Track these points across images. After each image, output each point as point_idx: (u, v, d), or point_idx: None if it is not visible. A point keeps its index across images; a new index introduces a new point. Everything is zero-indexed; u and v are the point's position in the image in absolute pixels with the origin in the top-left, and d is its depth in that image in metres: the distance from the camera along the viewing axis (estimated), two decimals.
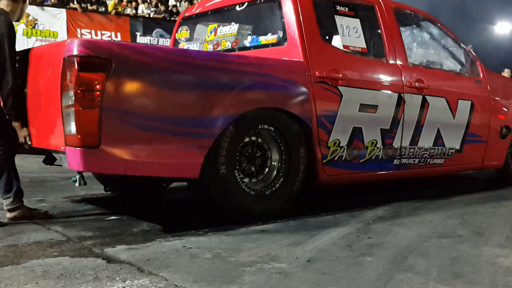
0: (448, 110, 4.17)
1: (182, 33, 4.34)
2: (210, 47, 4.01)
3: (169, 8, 13.90)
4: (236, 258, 2.34)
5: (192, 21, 4.30)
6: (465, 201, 3.91)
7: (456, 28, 4.47)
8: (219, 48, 3.92)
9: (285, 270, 2.17)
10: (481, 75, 4.57)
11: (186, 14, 4.37)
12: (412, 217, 3.29)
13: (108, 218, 3.24)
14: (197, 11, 4.28)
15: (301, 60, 3.34)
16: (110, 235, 2.80)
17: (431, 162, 4.13)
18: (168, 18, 13.31)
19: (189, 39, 4.28)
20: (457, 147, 4.29)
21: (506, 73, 10.96)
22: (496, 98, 4.64)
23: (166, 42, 12.40)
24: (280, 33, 3.51)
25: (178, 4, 14.06)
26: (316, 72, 3.35)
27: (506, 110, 4.73)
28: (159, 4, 13.82)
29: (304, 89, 3.29)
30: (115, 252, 2.42)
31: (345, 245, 2.58)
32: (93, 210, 3.55)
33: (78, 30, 11.81)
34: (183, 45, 4.26)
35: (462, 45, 4.54)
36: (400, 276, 2.11)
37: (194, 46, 4.19)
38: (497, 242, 2.67)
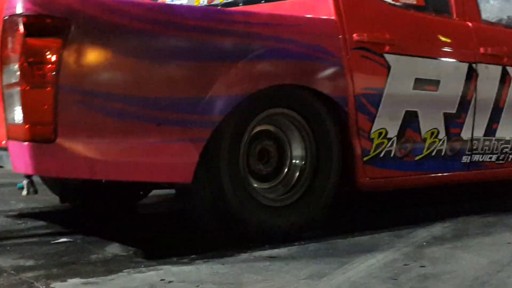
0: None
1: None
2: (203, 1, 4.04)
3: None
4: None
5: None
6: None
7: None
8: (215, 2, 3.96)
9: None
10: None
11: None
12: (483, 237, 3.31)
13: (58, 241, 3.25)
14: None
15: (333, 17, 3.37)
16: (59, 264, 2.80)
17: None
18: None
19: None
20: None
21: None
22: None
23: None
24: None
25: None
26: (354, 35, 3.38)
27: None
28: None
29: (336, 58, 3.32)
30: None
31: (388, 276, 2.58)
32: (39, 229, 3.58)
33: None
34: None
35: None
36: None
37: (182, 0, 4.22)
38: None
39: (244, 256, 2.89)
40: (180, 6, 3.71)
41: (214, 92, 2.93)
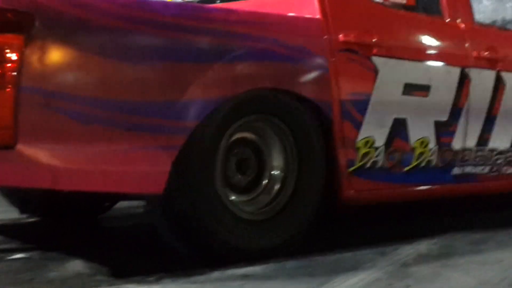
0: None
1: None
2: None
3: None
4: None
5: None
6: None
7: None
8: None
9: None
10: None
11: None
12: (472, 256, 3.34)
13: (14, 257, 3.24)
14: None
15: (318, 16, 3.40)
16: (14, 282, 2.78)
17: (508, 172, 4.25)
18: None
19: None
20: None
21: None
22: None
23: None
24: None
25: None
26: (340, 36, 3.41)
27: None
28: None
29: (321, 60, 3.35)
30: None
31: None
32: None
33: None
34: None
35: None
36: None
37: None
38: None
39: (216, 274, 2.88)
40: (153, 2, 3.70)
41: (189, 96, 2.93)
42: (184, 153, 2.92)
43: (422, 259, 3.24)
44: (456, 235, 3.76)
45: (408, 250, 3.40)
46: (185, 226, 3.05)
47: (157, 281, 2.78)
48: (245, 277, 2.86)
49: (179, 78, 2.93)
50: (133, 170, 2.86)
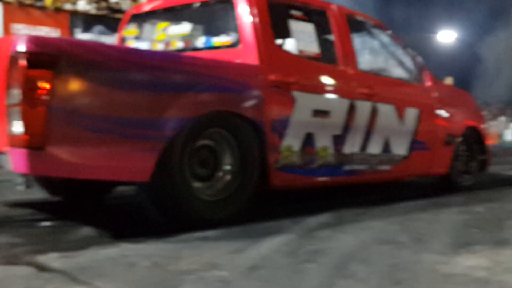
0: (396, 117, 4.34)
1: (130, 30, 4.28)
2: (160, 46, 3.98)
3: (111, 5, 13.62)
4: (176, 266, 2.31)
5: (141, 18, 4.25)
6: (408, 208, 4.02)
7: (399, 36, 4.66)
8: (169, 48, 3.91)
9: (226, 278, 2.17)
10: (428, 83, 4.79)
11: (136, 12, 4.32)
12: (355, 224, 3.36)
13: (42, 224, 3.15)
14: (146, 9, 4.23)
15: (256, 63, 3.38)
16: (42, 242, 2.71)
17: (379, 169, 4.28)
18: (109, 15, 13.03)
19: (138, 37, 4.23)
20: (404, 154, 4.46)
21: (448, 80, 11.49)
22: (442, 106, 4.86)
23: (108, 39, 12.12)
24: (235, 35, 3.54)
25: (120, 1, 13.80)
26: (271, 76, 3.41)
27: (451, 118, 4.96)
28: (100, 1, 13.51)
29: (258, 92, 3.33)
30: (47, 260, 2.33)
31: (287, 252, 2.61)
32: (27, 215, 3.44)
33: (15, 25, 11.34)
34: (131, 43, 4.20)
35: (410, 53, 4.74)
36: (341, 283, 2.15)
37: (143, 45, 4.14)
38: (436, 249, 2.74)
39: (184, 236, 2.85)
40: (145, 50, 3.66)
41: (168, 115, 2.89)
42: (164, 154, 2.88)
43: (322, 226, 3.24)
44: (346, 210, 3.76)
45: (313, 220, 3.39)
46: (164, 204, 3.01)
47: (143, 241, 2.73)
48: (204, 238, 2.84)
49: (162, 103, 2.88)
50: (128, 165, 2.81)
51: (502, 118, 21.26)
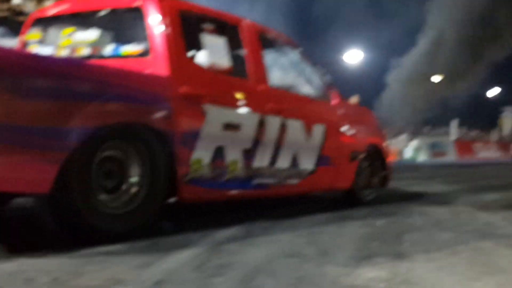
0: (304, 133, 4.46)
1: (33, 34, 4.08)
2: (64, 53, 3.82)
3: (12, 7, 12.93)
4: (77, 282, 2.22)
5: (45, 22, 4.06)
6: (313, 221, 4.11)
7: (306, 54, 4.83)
8: (74, 54, 3.75)
9: None
10: (335, 101, 4.97)
11: (39, 15, 4.12)
12: (263, 237, 3.38)
13: None
14: (52, 13, 4.05)
15: (166, 74, 3.33)
16: None
17: (287, 183, 4.35)
18: (11, 18, 12.36)
19: (41, 42, 4.04)
20: (311, 169, 4.58)
21: (354, 99, 12.00)
22: (347, 124, 5.07)
23: (9, 43, 11.48)
24: (144, 45, 3.47)
25: (22, 3, 13.14)
26: (181, 88, 3.37)
27: (355, 135, 5.17)
28: (1, 2, 12.78)
29: (167, 104, 3.28)
30: None
31: (195, 266, 2.58)
32: None
33: None
34: (34, 48, 3.99)
35: (319, 71, 4.90)
36: None
37: (46, 50, 3.95)
38: (340, 261, 2.81)
39: (87, 251, 2.75)
40: (49, 56, 3.48)
41: (73, 124, 2.77)
42: (66, 164, 2.74)
43: (231, 239, 3.24)
44: (254, 223, 3.78)
45: (222, 233, 3.38)
46: (66, 217, 2.87)
47: (43, 255, 2.60)
48: (107, 253, 2.75)
49: (64, 111, 2.75)
50: (27, 176, 2.65)
51: (403, 136, 22.49)
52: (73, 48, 3.77)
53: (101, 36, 3.73)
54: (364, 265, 2.74)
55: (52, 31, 4.03)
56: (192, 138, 3.42)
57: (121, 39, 3.64)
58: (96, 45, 3.70)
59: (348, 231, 3.75)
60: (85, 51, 3.71)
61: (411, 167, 14.79)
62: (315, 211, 4.60)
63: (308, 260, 2.81)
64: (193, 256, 2.77)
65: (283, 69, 4.67)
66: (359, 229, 3.86)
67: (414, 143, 20.79)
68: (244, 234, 3.43)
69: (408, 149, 20.68)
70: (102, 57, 3.59)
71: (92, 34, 3.75)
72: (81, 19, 3.86)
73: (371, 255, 2.97)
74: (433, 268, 2.75)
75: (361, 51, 30.65)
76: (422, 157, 20.28)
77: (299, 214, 4.35)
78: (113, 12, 3.67)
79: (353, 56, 30.69)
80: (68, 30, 3.88)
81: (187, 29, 3.58)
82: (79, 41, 3.78)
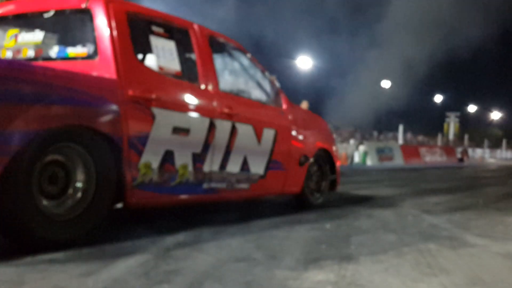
0: (255, 137, 4.46)
1: None
2: (9, 54, 3.69)
3: None
4: None
5: None
6: (263, 225, 4.12)
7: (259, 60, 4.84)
8: (19, 56, 3.63)
9: None
10: (285, 106, 5.01)
11: None
12: (212, 242, 3.37)
13: None
14: None
15: (113, 77, 3.27)
16: None
17: (237, 187, 4.33)
18: None
19: None
20: (261, 173, 4.59)
21: (304, 104, 12.15)
22: (297, 129, 5.11)
23: None
24: (91, 47, 3.40)
25: None
26: (129, 91, 3.31)
27: (305, 140, 5.22)
28: None
29: (115, 107, 3.21)
30: None
31: (142, 273, 2.54)
32: None
33: None
34: None
35: (268, 76, 4.92)
36: None
37: None
38: (288, 265, 2.84)
39: (28, 259, 2.67)
40: None
41: (14, 127, 2.67)
42: (7, 169, 2.64)
43: (180, 245, 3.21)
44: (203, 228, 3.76)
45: (170, 239, 3.34)
46: (6, 223, 2.76)
47: None
48: (50, 261, 2.68)
49: (6, 114, 2.65)
50: None
51: (352, 141, 22.92)
52: (18, 49, 3.65)
53: (46, 38, 3.63)
54: (312, 268, 2.77)
55: None
56: (141, 142, 3.36)
57: (67, 41, 3.56)
58: (41, 46, 3.60)
59: (297, 235, 3.78)
60: (30, 53, 3.60)
61: (360, 171, 15.10)
62: (264, 215, 4.61)
63: (257, 264, 2.81)
64: (140, 263, 2.72)
65: (234, 74, 4.66)
66: (307, 232, 3.90)
67: (363, 147, 21.19)
68: (193, 240, 3.39)
69: (356, 153, 21.07)
70: (48, 59, 3.49)
71: (37, 35, 3.64)
72: (26, 20, 3.74)
73: (319, 258, 3.00)
74: (379, 269, 2.81)
75: (309, 58, 31.09)
76: (370, 162, 20.70)
77: (248, 218, 4.35)
78: (60, 13, 3.57)
79: (304, 62, 31.07)
80: (13, 31, 3.75)
81: (136, 31, 3.52)
82: (24, 42, 3.67)
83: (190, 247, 3.17)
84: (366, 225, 4.35)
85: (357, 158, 21.01)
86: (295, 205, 5.33)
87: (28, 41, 3.66)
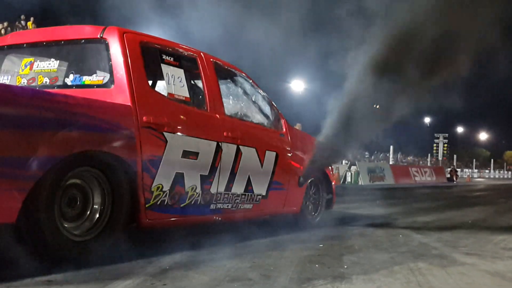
0: (258, 160, 4.63)
1: None
2: (24, 81, 3.85)
3: None
4: None
5: (3, 52, 4.07)
6: (258, 245, 4.13)
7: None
8: (34, 84, 3.79)
9: None
10: (284, 129, 5.19)
11: None
12: (208, 262, 3.38)
13: None
14: (9, 43, 4.07)
15: (129, 104, 3.43)
16: None
17: (241, 207, 4.48)
18: None
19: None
20: (264, 194, 4.74)
21: (297, 127, 12.36)
22: (296, 150, 5.28)
23: None
24: (107, 75, 3.56)
25: None
26: (143, 117, 3.47)
27: (303, 161, 5.39)
28: None
29: (131, 133, 3.37)
30: None
31: None
32: None
33: None
34: None
35: (269, 101, 5.11)
36: None
37: (3, 79, 3.96)
38: (282, 285, 2.86)
39: (27, 280, 2.71)
40: (15, 86, 3.48)
41: (39, 153, 2.82)
42: (32, 193, 2.78)
43: (176, 265, 3.24)
44: (200, 249, 3.78)
45: (167, 260, 3.38)
46: (31, 243, 2.90)
47: None
48: (49, 282, 2.73)
49: (32, 141, 2.80)
50: None
51: (344, 162, 23.12)
52: (33, 77, 3.81)
53: (61, 66, 3.79)
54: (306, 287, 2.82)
55: (10, 60, 4.05)
56: (154, 165, 3.51)
57: (82, 70, 3.70)
58: (56, 75, 3.75)
59: (290, 255, 3.80)
60: (45, 81, 3.75)
61: (352, 191, 15.17)
62: (260, 235, 4.60)
63: (252, 284, 2.86)
64: (136, 284, 2.75)
65: (237, 99, 4.84)
66: (301, 252, 3.92)
67: (354, 168, 21.40)
68: (189, 260, 3.42)
69: (349, 173, 21.24)
70: (64, 86, 3.64)
71: (52, 64, 3.80)
72: (41, 49, 3.90)
73: (312, 278, 3.06)
74: None
75: (302, 81, 31.41)
76: (362, 181, 20.89)
77: (244, 238, 4.37)
78: (76, 42, 3.74)
79: (297, 85, 31.42)
80: (28, 59, 3.92)
81: (148, 60, 3.70)
82: (39, 70, 3.82)
83: (186, 267, 3.20)
84: (359, 244, 4.38)
85: (349, 178, 21.19)
86: (293, 224, 5.36)
87: (43, 69, 3.82)
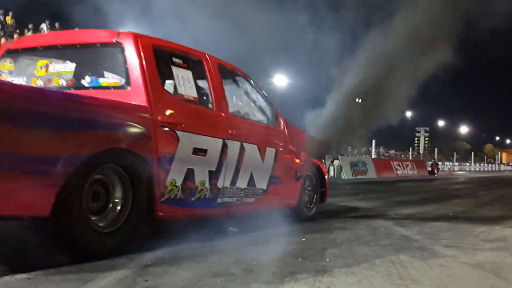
0: (259, 156, 4.90)
1: (5, 65, 4.27)
2: (40, 83, 4.05)
3: None
4: None
5: (17, 54, 4.26)
6: (241, 240, 4.17)
7: None
8: (50, 85, 3.99)
9: None
10: (282, 126, 5.47)
11: (11, 47, 4.32)
12: (192, 258, 3.38)
13: None
14: (25, 45, 4.28)
15: (146, 105, 3.67)
16: None
17: (245, 201, 4.74)
18: None
19: (14, 72, 4.23)
20: (265, 188, 5.02)
21: None
22: (292, 147, 5.57)
23: None
24: (123, 77, 3.79)
25: None
26: (158, 117, 3.71)
27: (299, 156, 5.67)
28: None
29: (148, 132, 3.61)
30: None
31: None
32: None
33: None
34: (6, 78, 4.18)
35: (268, 100, 5.39)
36: None
37: (19, 80, 4.16)
38: (264, 279, 2.89)
39: (6, 278, 2.73)
40: (47, 90, 3.69)
41: (69, 152, 3.06)
42: (64, 189, 3.02)
43: (159, 261, 3.26)
44: (183, 245, 3.78)
45: (149, 256, 3.39)
46: (64, 238, 3.14)
47: None
48: (28, 280, 2.72)
49: (64, 140, 3.04)
50: (30, 200, 2.90)
51: (327, 156, 23.43)
52: (49, 79, 4.01)
53: (77, 68, 4.00)
54: (288, 282, 2.86)
55: (25, 62, 4.25)
56: (168, 161, 3.76)
57: (98, 72, 3.92)
58: (73, 77, 3.96)
59: (273, 249, 3.83)
60: (61, 82, 3.96)
61: (335, 185, 15.25)
62: (243, 231, 4.62)
63: (235, 279, 2.88)
64: (118, 280, 2.76)
65: (240, 98, 5.11)
66: (284, 246, 3.95)
67: (337, 162, 21.73)
68: (172, 256, 3.42)
69: (332, 168, 21.55)
70: (81, 88, 3.85)
71: (68, 66, 4.01)
72: (56, 52, 4.10)
73: (295, 272, 3.09)
74: (353, 281, 2.92)
75: (284, 76, 31.64)
76: (345, 175, 21.23)
77: (228, 234, 4.44)
78: (91, 46, 3.96)
79: (280, 80, 31.66)
80: (43, 62, 4.12)
81: (160, 63, 3.94)
82: (54, 72, 4.03)
83: (168, 263, 3.20)
84: (341, 238, 4.44)
85: (332, 172, 21.52)
86: (277, 218, 5.22)
87: (59, 71, 4.03)
